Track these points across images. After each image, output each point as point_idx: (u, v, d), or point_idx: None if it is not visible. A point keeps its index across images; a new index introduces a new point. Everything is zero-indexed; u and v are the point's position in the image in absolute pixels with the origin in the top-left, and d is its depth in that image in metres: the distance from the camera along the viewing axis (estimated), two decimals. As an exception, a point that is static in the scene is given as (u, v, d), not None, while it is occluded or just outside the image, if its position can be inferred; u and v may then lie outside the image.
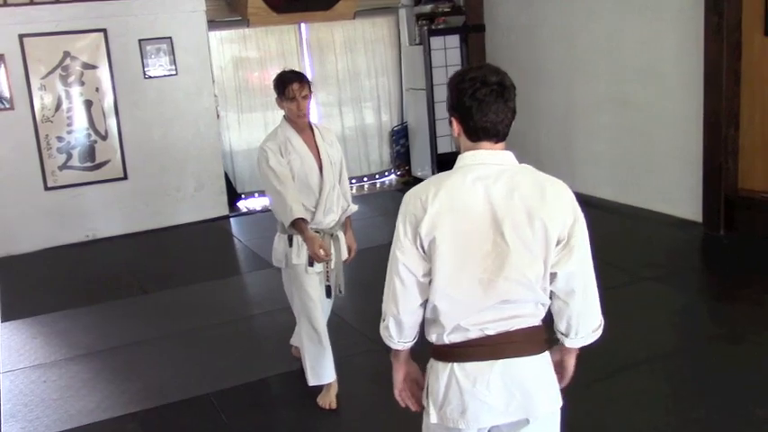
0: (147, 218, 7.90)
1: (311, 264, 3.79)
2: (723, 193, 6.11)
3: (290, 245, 3.83)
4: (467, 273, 2.06)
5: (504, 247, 2.05)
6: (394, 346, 2.26)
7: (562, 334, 2.26)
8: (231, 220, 8.21)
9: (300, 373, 4.14)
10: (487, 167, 2.09)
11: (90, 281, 6.60)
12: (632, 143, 7.12)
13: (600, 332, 2.28)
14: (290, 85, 3.68)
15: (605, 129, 7.44)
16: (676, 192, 6.65)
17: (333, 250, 3.88)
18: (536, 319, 2.16)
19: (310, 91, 3.77)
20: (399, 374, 2.32)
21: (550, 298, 2.19)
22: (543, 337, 2.20)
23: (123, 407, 4.22)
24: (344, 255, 3.99)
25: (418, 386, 2.32)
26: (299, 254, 3.80)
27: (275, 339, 4.98)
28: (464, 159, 2.13)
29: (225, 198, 8.31)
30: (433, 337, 2.19)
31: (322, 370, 3.95)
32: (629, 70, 7.01)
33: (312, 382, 3.97)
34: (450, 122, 2.15)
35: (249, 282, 6.42)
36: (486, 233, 2.05)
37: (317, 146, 3.85)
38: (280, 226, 3.89)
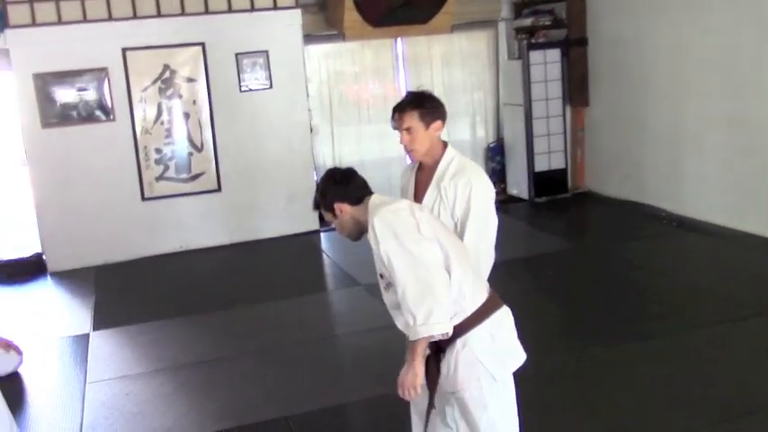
0: (239, 230, 7.93)
1: None
2: None
3: None
4: (455, 240, 2.80)
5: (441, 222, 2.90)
6: (449, 330, 2.56)
7: None
8: (321, 234, 8.13)
9: (381, 402, 3.96)
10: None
11: (180, 292, 6.64)
12: (747, 164, 6.61)
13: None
14: (393, 112, 3.03)
15: (717, 149, 6.94)
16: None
17: None
18: None
19: (425, 122, 2.96)
20: (420, 374, 2.60)
21: None
22: None
23: (200, 426, 4.16)
24: None
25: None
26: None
27: (358, 362, 4.84)
28: (373, 201, 2.75)
29: (316, 213, 8.21)
30: (460, 316, 2.62)
31: None
32: (745, 86, 6.52)
33: None
34: (339, 213, 2.76)
35: (335, 299, 6.31)
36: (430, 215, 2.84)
37: (424, 188, 3.04)
38: None
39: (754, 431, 3.70)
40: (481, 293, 2.71)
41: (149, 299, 6.51)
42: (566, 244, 7.27)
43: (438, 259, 2.56)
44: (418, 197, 3.04)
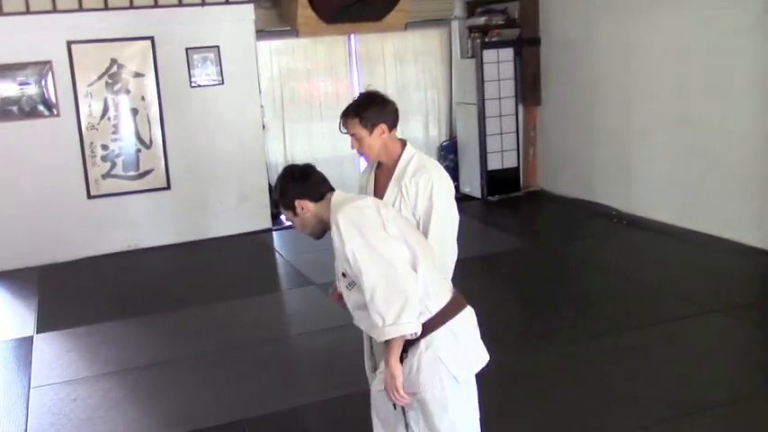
0: (189, 229, 7.76)
1: None
2: (795, 221, 5.69)
3: None
4: (420, 238, 2.74)
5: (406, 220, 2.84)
6: (418, 329, 2.52)
7: None
8: (274, 233, 8.02)
9: (339, 403, 3.90)
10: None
11: (128, 292, 6.46)
12: (694, 164, 6.73)
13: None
14: (340, 118, 3.00)
15: (665, 148, 7.05)
16: (741, 217, 6.24)
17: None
18: None
19: (368, 129, 2.92)
20: (399, 374, 2.56)
21: None
22: None
23: (151, 431, 4.02)
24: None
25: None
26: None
27: (314, 362, 4.77)
28: (337, 197, 2.69)
29: (268, 211, 8.12)
30: (424, 317, 2.56)
31: None
32: (693, 87, 6.63)
33: None
34: (300, 211, 2.69)
35: (289, 299, 6.21)
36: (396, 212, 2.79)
37: (383, 187, 3.02)
38: None
39: (708, 427, 3.74)
40: (446, 293, 2.67)
41: (96, 300, 6.31)
42: (519, 242, 7.31)
43: (405, 257, 2.52)
44: (378, 195, 2.99)
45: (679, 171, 6.92)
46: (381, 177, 3.05)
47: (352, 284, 2.58)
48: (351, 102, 3.02)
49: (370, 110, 2.94)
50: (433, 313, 2.60)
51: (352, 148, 3.00)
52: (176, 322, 5.68)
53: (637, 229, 7.19)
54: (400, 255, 2.52)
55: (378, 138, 2.94)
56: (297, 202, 2.69)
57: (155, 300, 6.16)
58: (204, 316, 5.78)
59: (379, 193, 3.02)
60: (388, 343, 2.52)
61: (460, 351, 2.65)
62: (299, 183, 2.72)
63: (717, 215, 6.51)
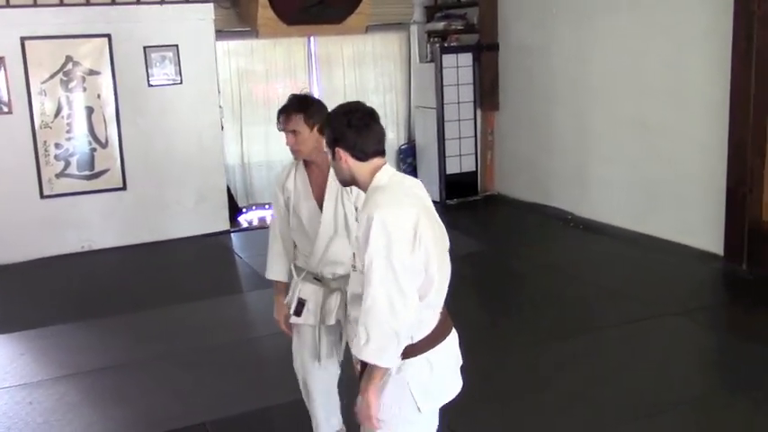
0: (146, 230, 7.64)
1: (296, 313, 3.26)
2: (747, 225, 5.86)
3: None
4: (443, 262, 2.48)
5: (442, 234, 2.52)
6: (392, 365, 2.39)
7: None
8: (232, 235, 7.95)
9: (302, 404, 3.87)
10: (402, 177, 2.56)
11: (84, 294, 6.33)
12: (650, 169, 6.88)
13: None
14: (279, 114, 3.12)
15: (622, 154, 7.19)
16: (697, 222, 6.40)
17: (334, 308, 3.22)
18: None
19: (310, 125, 3.05)
20: (374, 404, 2.42)
21: None
22: None
23: (111, 435, 3.96)
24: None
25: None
26: (292, 297, 3.30)
27: (278, 364, 4.68)
28: (382, 178, 2.45)
29: (226, 212, 8.06)
30: (417, 337, 2.43)
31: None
32: (650, 93, 6.78)
33: None
34: (334, 155, 2.45)
35: (250, 301, 6.15)
36: (436, 226, 2.47)
37: (323, 189, 3.15)
38: None
39: (669, 426, 3.83)
40: (435, 320, 2.51)
41: (50, 301, 6.17)
42: (478, 245, 7.36)
43: (414, 291, 2.36)
44: (316, 194, 3.14)
45: (634, 176, 7.06)
46: (314, 176, 3.17)
47: (356, 269, 2.47)
48: (288, 101, 3.14)
49: (313, 108, 3.10)
50: (416, 341, 2.44)
51: (287, 144, 3.11)
52: (134, 325, 5.59)
53: (592, 234, 7.31)
54: (412, 290, 2.35)
55: (314, 135, 3.06)
56: (338, 150, 2.43)
57: (111, 302, 6.05)
58: (163, 318, 5.69)
59: (316, 191, 3.15)
60: (370, 372, 2.40)
61: (432, 382, 2.50)
62: (352, 132, 2.41)
63: (672, 220, 6.66)
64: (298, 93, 3.23)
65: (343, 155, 2.43)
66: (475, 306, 5.82)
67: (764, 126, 5.75)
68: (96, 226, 7.48)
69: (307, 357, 3.30)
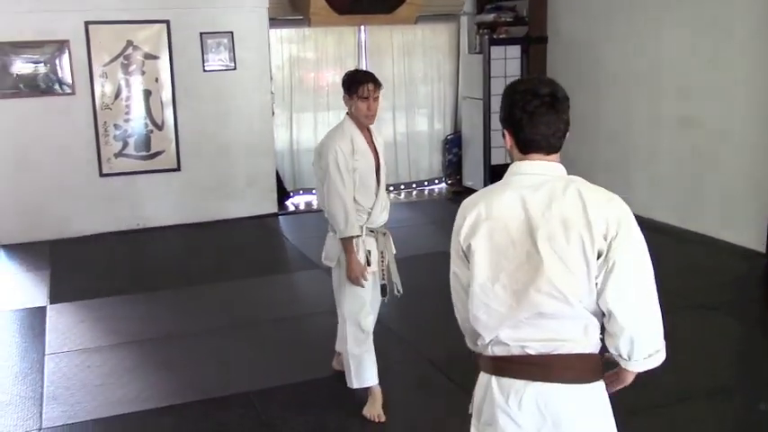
0: (198, 210, 7.92)
1: (368, 263, 3.82)
2: (790, 224, 5.87)
3: None
4: (501, 282, 2.05)
5: (536, 258, 2.00)
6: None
7: (616, 355, 2.13)
8: (280, 217, 8.18)
9: (342, 378, 4.06)
10: (530, 177, 2.08)
11: (138, 269, 6.63)
12: (695, 166, 6.90)
13: (657, 360, 2.15)
14: (365, 84, 3.72)
15: (667, 149, 7.22)
16: (741, 219, 6.41)
17: (386, 248, 3.95)
18: (585, 345, 2.07)
19: (379, 95, 3.81)
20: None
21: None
22: (593, 366, 2.10)
23: (163, 398, 4.20)
24: (394, 250, 4.05)
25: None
26: (358, 252, 3.80)
27: (319, 342, 4.89)
28: (511, 169, 2.13)
29: (275, 195, 8.29)
30: (477, 347, 2.18)
31: (366, 373, 3.91)
32: (697, 90, 6.80)
33: (355, 384, 3.92)
34: (503, 134, 2.15)
35: (296, 281, 6.37)
36: (521, 243, 2.03)
37: (375, 147, 3.89)
38: (331, 226, 3.85)
39: (700, 411, 3.93)
40: (516, 347, 2.13)
41: (106, 274, 6.47)
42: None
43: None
44: (375, 156, 3.84)
45: (679, 172, 7.08)
46: (368, 137, 3.84)
47: None
48: (360, 71, 3.93)
49: None
50: (492, 354, 2.13)
51: (370, 110, 3.74)
52: (184, 299, 5.85)
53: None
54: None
55: None
56: (507, 133, 2.14)
57: (163, 277, 6.34)
58: (212, 294, 5.94)
59: (373, 151, 3.84)
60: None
61: (485, 414, 2.17)
62: (521, 121, 2.08)
63: (715, 217, 6.68)
64: (353, 70, 3.95)
65: (510, 139, 2.14)
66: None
67: (811, 124, 5.75)
68: (151, 205, 7.78)
69: (368, 300, 3.88)
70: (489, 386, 2.12)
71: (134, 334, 5.15)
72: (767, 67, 5.96)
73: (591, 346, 2.08)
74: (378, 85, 3.77)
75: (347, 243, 3.74)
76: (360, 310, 3.87)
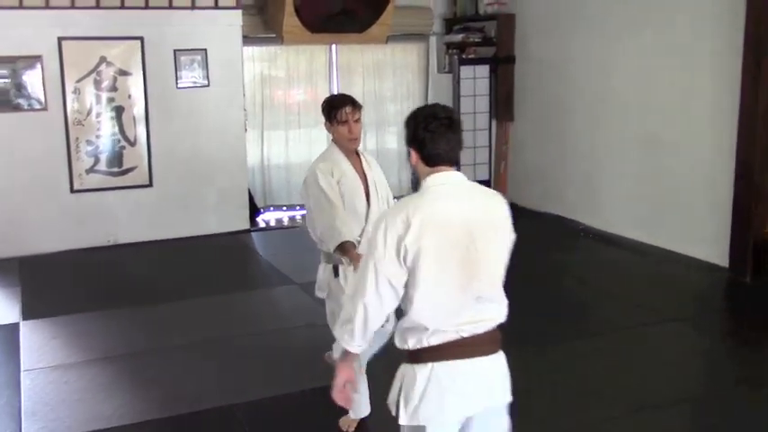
0: (170, 226, 7.91)
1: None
2: (751, 239, 6.07)
3: (336, 275, 3.70)
4: (448, 278, 2.39)
5: (476, 254, 2.41)
6: (353, 349, 2.50)
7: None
8: (252, 234, 8.21)
9: (321, 391, 4.11)
10: (453, 186, 2.48)
11: (110, 285, 6.59)
12: (659, 183, 7.11)
13: None
14: (342, 108, 3.67)
15: (632, 167, 7.42)
16: (703, 235, 6.62)
17: None
18: (497, 322, 2.54)
19: (360, 115, 3.76)
20: (343, 377, 2.54)
21: None
22: (500, 338, 2.58)
23: (143, 413, 4.20)
24: None
25: (352, 388, 2.63)
26: (347, 282, 3.59)
27: (298, 356, 4.95)
28: (429, 181, 2.47)
29: (247, 212, 8.32)
30: (411, 343, 2.45)
31: (361, 406, 3.86)
32: (661, 110, 7.02)
33: (351, 416, 3.90)
34: (409, 153, 2.51)
35: (271, 296, 6.37)
36: (462, 242, 2.40)
37: (363, 171, 3.81)
38: (324, 255, 3.79)
39: (670, 420, 4.06)
40: (451, 333, 2.46)
41: (78, 291, 6.42)
42: (490, 252, 7.59)
43: (377, 292, 2.40)
44: (363, 179, 3.78)
45: (645, 189, 7.29)
46: (356, 163, 3.79)
47: None
48: (343, 94, 3.88)
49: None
50: (424, 345, 2.43)
51: (352, 132, 3.70)
52: (158, 315, 5.83)
53: (603, 243, 7.54)
54: (378, 289, 2.40)
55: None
56: (412, 149, 2.48)
57: (136, 293, 6.30)
58: (187, 310, 5.94)
59: (361, 176, 3.77)
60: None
61: (428, 400, 2.43)
62: (426, 139, 2.43)
63: (680, 232, 6.88)
64: (330, 95, 3.90)
65: (417, 158, 2.47)
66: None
67: (771, 144, 5.98)
68: (122, 221, 7.75)
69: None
70: (432, 373, 2.42)
71: (110, 350, 5.13)
72: (727, 86, 6.19)
73: (499, 322, 2.55)
74: (356, 106, 3.72)
75: (345, 247, 3.49)
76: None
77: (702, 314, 5.72)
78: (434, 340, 2.42)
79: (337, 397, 2.56)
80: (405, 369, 2.51)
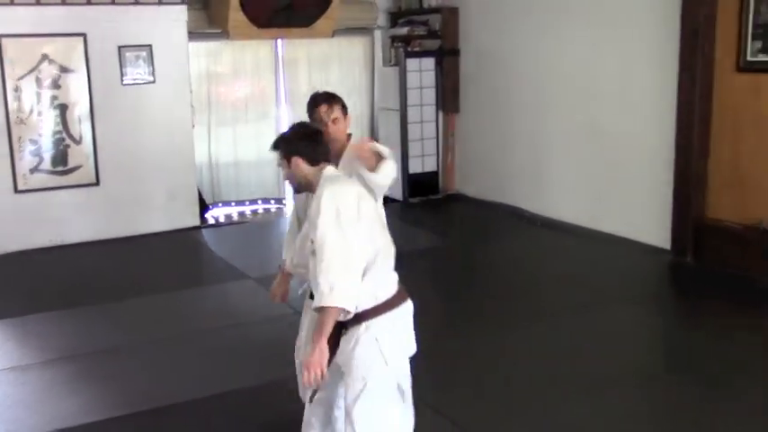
0: (118, 225, 7.81)
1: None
2: (691, 222, 6.33)
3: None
4: (386, 239, 2.96)
5: (383, 220, 3.06)
6: (353, 309, 2.80)
7: None
8: (203, 231, 8.17)
9: (283, 383, 4.18)
10: (338, 174, 3.02)
11: (59, 286, 6.49)
12: (602, 170, 7.34)
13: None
14: (317, 107, 3.38)
15: (576, 155, 7.64)
16: (646, 219, 6.86)
17: None
18: None
19: (345, 114, 3.43)
20: (325, 356, 2.76)
21: None
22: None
23: (106, 411, 4.18)
24: None
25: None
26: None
27: (259, 349, 4.99)
28: (328, 172, 2.96)
29: (197, 208, 8.27)
30: (371, 303, 2.87)
31: None
32: (603, 99, 7.24)
33: None
34: (290, 161, 2.95)
35: (227, 291, 6.33)
36: (377, 206, 3.05)
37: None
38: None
39: (617, 399, 4.23)
40: (394, 286, 2.98)
41: (27, 292, 6.32)
42: (440, 241, 7.73)
43: (361, 250, 2.80)
44: None
45: (587, 176, 7.51)
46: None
47: (314, 252, 2.82)
48: (321, 92, 3.46)
49: (342, 100, 3.43)
50: (380, 301, 2.90)
51: (329, 132, 3.27)
52: (115, 314, 5.78)
53: (548, 230, 7.74)
54: (359, 246, 2.79)
55: (346, 123, 3.42)
56: (294, 159, 2.95)
57: (88, 293, 6.22)
58: (143, 307, 5.90)
59: None
60: (320, 319, 2.76)
61: (395, 338, 2.95)
62: (306, 142, 2.98)
63: (622, 217, 7.12)
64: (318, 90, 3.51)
65: (299, 162, 2.94)
66: (440, 296, 6.18)
67: (708, 130, 6.24)
68: (69, 221, 7.62)
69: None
70: (396, 319, 2.94)
71: (66, 350, 5.07)
72: (665, 74, 6.43)
73: None
74: (331, 102, 3.39)
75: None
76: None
77: (648, 295, 5.95)
78: (383, 295, 2.91)
79: (310, 376, 2.74)
80: (368, 326, 2.88)
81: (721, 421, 3.91)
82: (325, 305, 2.73)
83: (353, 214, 2.80)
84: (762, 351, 4.75)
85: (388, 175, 3.05)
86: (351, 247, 2.76)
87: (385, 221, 3.08)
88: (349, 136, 3.48)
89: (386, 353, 2.90)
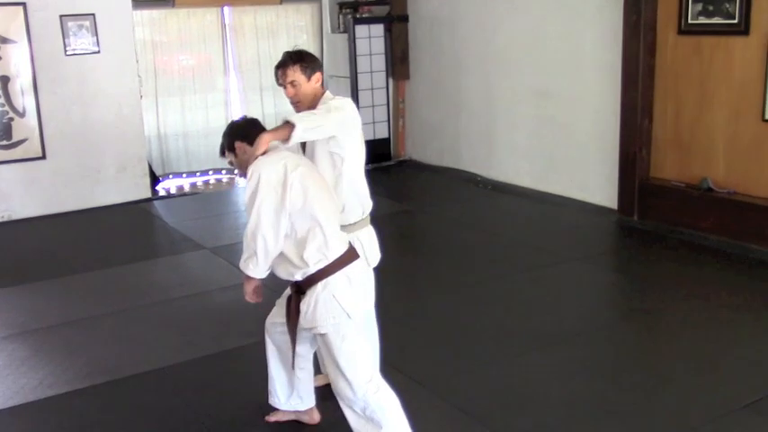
0: (68, 199, 7.69)
1: None
2: (637, 182, 6.52)
3: None
4: (330, 200, 3.17)
5: (323, 180, 3.26)
6: (259, 276, 3.14)
7: None
8: (154, 202, 8.09)
9: (244, 349, 4.24)
10: (278, 150, 3.16)
11: (11, 261, 6.39)
12: (551, 134, 7.48)
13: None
14: (277, 71, 3.32)
15: (525, 119, 7.77)
16: (593, 180, 7.05)
17: None
18: None
19: (307, 74, 3.31)
20: (253, 284, 3.19)
21: None
22: None
23: (69, 383, 4.18)
24: None
25: (259, 291, 3.24)
26: None
27: (220, 317, 5.02)
28: (271, 147, 3.12)
29: (147, 180, 8.18)
30: (322, 263, 3.04)
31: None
32: (550, 64, 7.36)
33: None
34: (237, 147, 3.18)
35: (183, 262, 6.32)
36: (315, 174, 3.18)
37: None
38: None
39: (573, 351, 4.39)
40: (343, 245, 3.14)
41: (-23, 269, 6.21)
42: (396, 206, 7.79)
43: (277, 226, 3.01)
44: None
45: (537, 140, 7.66)
46: None
47: None
48: (285, 53, 3.34)
49: (308, 58, 3.31)
50: (331, 260, 3.06)
51: (288, 96, 3.32)
52: (69, 288, 5.72)
53: (500, 193, 7.89)
54: (277, 218, 3.00)
55: (314, 84, 3.32)
56: (237, 144, 3.18)
57: (41, 268, 6.15)
58: (98, 280, 5.85)
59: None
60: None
61: (353, 292, 3.11)
62: (243, 129, 3.22)
63: (571, 179, 7.30)
64: (290, 49, 3.40)
65: (243, 146, 3.17)
66: (398, 259, 6.21)
67: (652, 92, 6.41)
68: (16, 196, 7.47)
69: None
70: (351, 275, 3.09)
71: (22, 325, 5.03)
72: (611, 37, 6.57)
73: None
74: (284, 66, 3.29)
75: None
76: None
77: (596, 253, 6.13)
78: (340, 250, 3.09)
79: (251, 298, 3.23)
80: (327, 282, 3.05)
81: (669, 365, 4.10)
82: (241, 268, 3.15)
83: (278, 186, 2.98)
84: (703, 301, 4.97)
85: (306, 130, 3.06)
86: (260, 221, 2.99)
87: (328, 186, 3.27)
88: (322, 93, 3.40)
89: (346, 307, 3.06)
